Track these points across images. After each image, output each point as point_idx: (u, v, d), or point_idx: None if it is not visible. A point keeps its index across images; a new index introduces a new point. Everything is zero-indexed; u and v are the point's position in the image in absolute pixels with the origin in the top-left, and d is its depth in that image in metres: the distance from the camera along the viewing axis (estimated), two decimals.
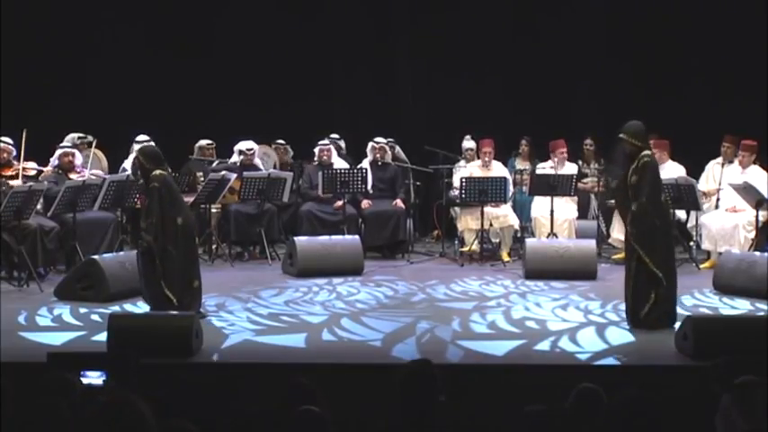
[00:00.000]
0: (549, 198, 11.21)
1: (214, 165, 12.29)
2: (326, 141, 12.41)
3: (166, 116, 13.09)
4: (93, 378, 5.69)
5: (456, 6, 14.03)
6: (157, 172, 8.16)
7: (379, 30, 14.38)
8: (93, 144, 11.71)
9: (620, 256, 11.30)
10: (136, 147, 11.64)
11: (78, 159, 11.09)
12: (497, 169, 11.89)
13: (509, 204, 11.80)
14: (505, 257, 11.30)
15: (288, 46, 13.93)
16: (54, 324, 8.21)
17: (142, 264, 8.19)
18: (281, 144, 13.18)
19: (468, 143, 12.58)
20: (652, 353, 7.29)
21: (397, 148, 12.88)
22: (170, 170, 8.68)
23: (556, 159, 11.84)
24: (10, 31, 12.99)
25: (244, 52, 13.96)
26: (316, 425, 4.06)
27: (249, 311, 8.64)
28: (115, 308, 8.59)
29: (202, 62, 13.93)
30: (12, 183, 10.10)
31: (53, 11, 13.43)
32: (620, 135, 8.09)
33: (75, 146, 11.39)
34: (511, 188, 11.83)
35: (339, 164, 12.14)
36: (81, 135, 11.79)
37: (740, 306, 8.88)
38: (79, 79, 13.58)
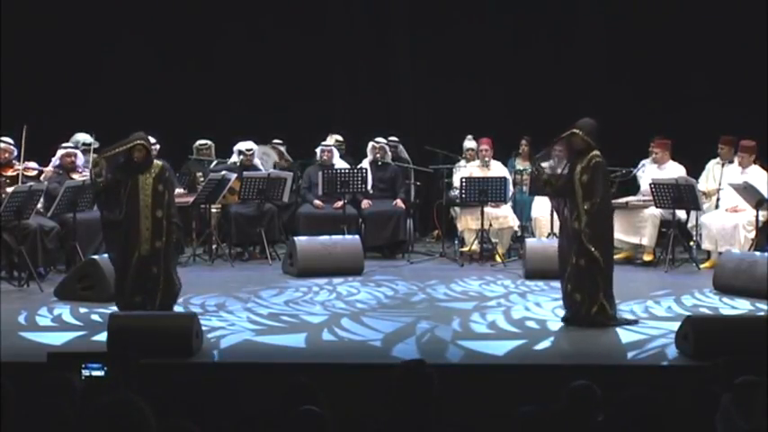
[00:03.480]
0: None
1: (213, 165, 12.30)
2: (329, 141, 12.42)
3: (167, 117, 13.08)
4: (95, 370, 5.70)
5: (457, 7, 14.02)
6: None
7: (380, 30, 14.38)
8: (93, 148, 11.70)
9: (621, 255, 11.32)
10: None
11: (80, 160, 11.09)
12: (497, 169, 11.89)
13: (509, 205, 11.79)
14: (499, 259, 11.28)
15: (289, 46, 13.93)
16: (54, 324, 8.21)
17: (168, 255, 8.22)
18: (278, 143, 13.18)
19: (470, 143, 12.59)
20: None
21: (400, 147, 12.89)
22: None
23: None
24: (12, 32, 12.99)
25: (245, 53, 13.95)
26: (316, 425, 4.06)
27: (249, 311, 8.63)
28: (115, 308, 8.58)
29: (203, 62, 13.92)
30: (8, 189, 10.05)
31: (55, 13, 13.42)
32: (574, 130, 8.06)
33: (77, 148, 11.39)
34: (511, 188, 11.82)
35: (339, 164, 12.15)
36: (86, 142, 11.78)
37: (740, 306, 8.87)
38: (80, 80, 13.57)
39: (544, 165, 8.27)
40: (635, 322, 8.08)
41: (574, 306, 8.02)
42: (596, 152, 8.01)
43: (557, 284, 9.54)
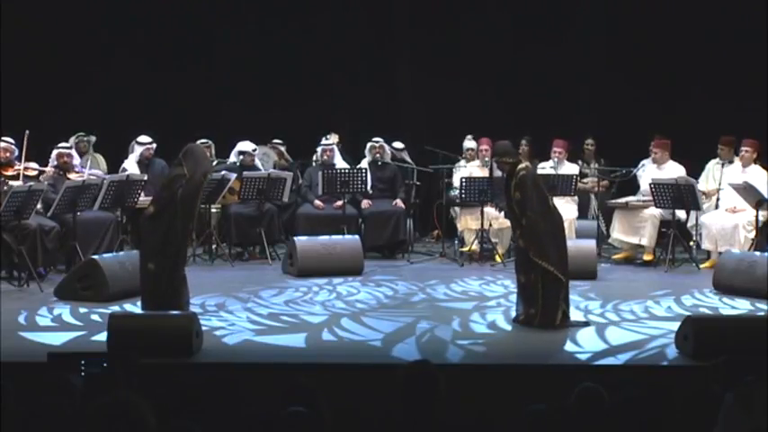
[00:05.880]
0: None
1: (213, 165, 12.29)
2: (330, 141, 12.43)
3: (167, 116, 13.09)
4: (95, 366, 5.69)
5: (457, 7, 14.02)
6: None
7: (380, 30, 14.38)
8: (91, 144, 11.72)
9: (621, 255, 11.36)
10: (137, 147, 11.70)
11: (76, 159, 11.09)
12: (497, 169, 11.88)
13: None
14: (499, 259, 11.28)
15: (289, 46, 13.92)
16: (54, 324, 8.20)
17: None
18: (279, 143, 13.19)
19: (469, 143, 12.61)
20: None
21: (404, 153, 12.89)
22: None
23: (556, 159, 11.86)
24: (12, 32, 12.99)
25: (245, 52, 13.96)
26: (309, 426, 4.04)
27: (249, 311, 8.63)
28: (115, 308, 8.58)
29: (202, 62, 13.92)
30: (12, 183, 10.06)
31: (55, 13, 13.42)
32: (493, 159, 8.19)
33: (75, 145, 11.39)
34: None
35: (340, 164, 12.15)
36: (81, 134, 11.80)
37: (740, 306, 8.87)
38: (80, 80, 13.57)
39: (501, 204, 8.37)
40: (586, 324, 8.06)
41: (527, 319, 8.00)
42: (521, 165, 8.08)
43: None
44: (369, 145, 12.30)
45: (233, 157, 12.02)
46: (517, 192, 7.97)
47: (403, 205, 12.01)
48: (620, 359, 7.09)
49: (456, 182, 11.94)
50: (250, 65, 13.93)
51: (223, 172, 11.51)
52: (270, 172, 11.80)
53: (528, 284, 7.98)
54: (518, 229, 8.06)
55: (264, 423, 4.14)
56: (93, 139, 11.81)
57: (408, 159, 12.86)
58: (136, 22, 13.81)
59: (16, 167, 10.53)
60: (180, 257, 8.05)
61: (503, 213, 11.42)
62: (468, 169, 12.04)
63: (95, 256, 9.41)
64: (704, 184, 11.44)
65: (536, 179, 8.18)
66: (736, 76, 13.01)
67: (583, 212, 12.37)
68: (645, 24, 13.51)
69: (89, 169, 11.30)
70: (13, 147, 10.59)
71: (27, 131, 10.37)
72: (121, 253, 9.97)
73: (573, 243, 10.41)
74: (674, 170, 11.27)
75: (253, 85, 13.90)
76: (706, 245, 11.01)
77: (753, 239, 10.53)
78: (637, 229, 11.16)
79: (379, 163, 12.21)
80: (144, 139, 11.68)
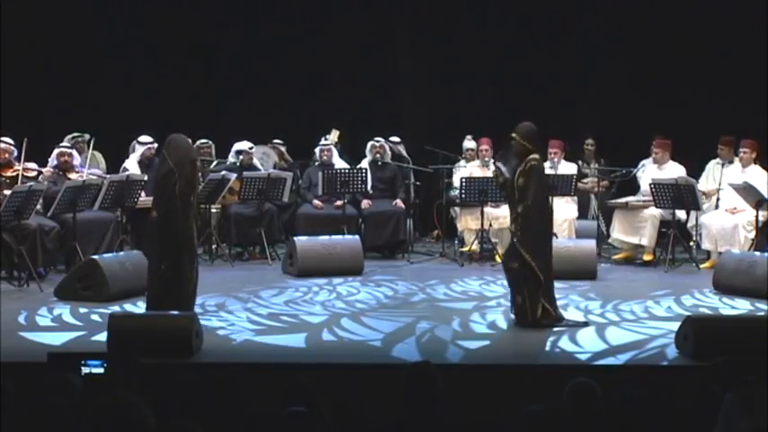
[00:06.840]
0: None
1: (213, 165, 12.31)
2: (329, 140, 12.43)
3: (167, 116, 13.07)
4: (95, 367, 5.69)
5: (458, 7, 14.03)
6: None
7: (380, 30, 14.39)
8: (91, 144, 11.71)
9: (621, 255, 11.36)
10: (138, 147, 11.70)
11: (76, 159, 11.08)
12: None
13: None
14: (499, 259, 11.27)
15: (289, 46, 13.93)
16: (54, 324, 8.20)
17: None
18: (279, 143, 13.19)
19: (469, 143, 12.61)
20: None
21: (400, 147, 12.88)
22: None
23: (555, 160, 11.86)
24: (11, 31, 12.99)
25: (245, 52, 13.96)
26: (303, 426, 4.05)
27: (249, 311, 8.64)
28: (115, 308, 8.58)
29: (203, 62, 13.93)
30: (5, 192, 10.00)
31: (55, 12, 13.43)
32: (513, 134, 8.12)
33: (72, 145, 11.39)
34: None
35: (339, 164, 12.15)
36: (77, 134, 11.80)
37: (740, 306, 8.88)
38: (80, 80, 13.58)
39: (502, 167, 8.29)
40: (585, 324, 8.07)
41: (517, 309, 8.04)
42: (534, 155, 8.06)
43: (557, 284, 9.44)
44: (369, 144, 12.30)
45: (231, 158, 12.02)
46: (522, 178, 7.97)
47: (403, 205, 12.01)
48: (620, 359, 7.08)
49: (456, 182, 11.94)
50: (250, 65, 13.93)
51: (223, 172, 11.51)
52: (270, 172, 11.81)
53: (513, 272, 8.02)
54: (513, 213, 8.08)
55: (264, 423, 4.14)
56: (88, 137, 11.80)
57: (405, 154, 12.85)
58: (136, 22, 13.81)
59: (15, 168, 10.53)
60: (190, 256, 7.93)
61: (501, 213, 11.49)
62: (468, 169, 12.04)
63: (95, 256, 9.40)
64: (704, 184, 11.44)
65: (542, 175, 8.20)
66: (735, 77, 13.01)
67: (583, 212, 12.37)
68: (645, 24, 13.51)
69: (88, 168, 11.30)
70: (12, 147, 10.58)
71: (26, 139, 10.37)
72: (121, 253, 9.96)
73: (573, 243, 10.47)
74: (674, 170, 11.27)
75: (253, 85, 13.90)
76: (706, 245, 11.02)
77: (753, 239, 10.53)
78: (637, 229, 11.16)
79: (380, 163, 12.21)
80: (145, 138, 11.69)
